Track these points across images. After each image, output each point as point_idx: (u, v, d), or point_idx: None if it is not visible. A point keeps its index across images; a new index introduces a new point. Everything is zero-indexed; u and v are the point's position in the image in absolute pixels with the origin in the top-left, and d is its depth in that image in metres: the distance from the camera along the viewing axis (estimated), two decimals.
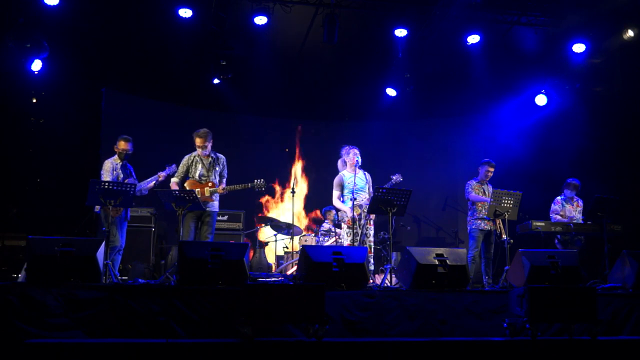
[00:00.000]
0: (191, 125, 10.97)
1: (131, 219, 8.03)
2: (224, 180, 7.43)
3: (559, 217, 8.52)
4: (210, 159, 7.35)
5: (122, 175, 7.28)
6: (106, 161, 7.36)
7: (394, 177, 7.39)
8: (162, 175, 7.38)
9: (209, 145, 7.29)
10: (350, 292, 5.52)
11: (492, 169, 8.35)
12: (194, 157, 7.34)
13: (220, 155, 7.45)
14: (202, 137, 7.23)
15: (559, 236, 8.44)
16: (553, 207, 8.62)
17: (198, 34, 9.14)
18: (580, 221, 8.44)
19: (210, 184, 7.22)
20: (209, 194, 7.18)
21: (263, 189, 7.55)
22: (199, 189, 7.10)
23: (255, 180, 7.46)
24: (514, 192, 7.57)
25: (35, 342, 4.61)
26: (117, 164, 7.31)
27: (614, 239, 8.03)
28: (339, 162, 7.70)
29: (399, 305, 5.48)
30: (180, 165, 7.35)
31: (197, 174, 7.26)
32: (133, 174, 7.47)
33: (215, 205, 7.28)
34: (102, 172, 7.30)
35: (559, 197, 8.68)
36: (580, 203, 8.67)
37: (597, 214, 7.92)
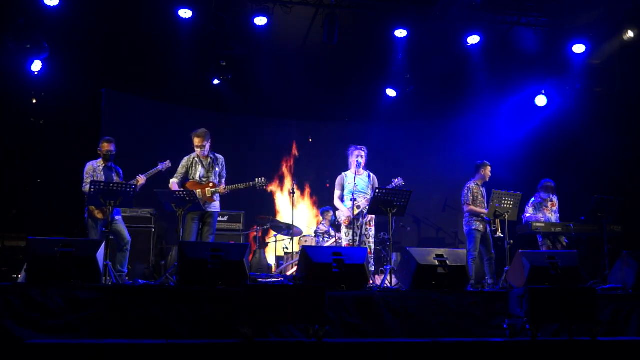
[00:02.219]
0: (191, 125, 10.92)
1: (131, 220, 8.05)
2: (223, 180, 7.44)
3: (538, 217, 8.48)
4: (209, 159, 7.36)
5: (103, 178, 7.24)
6: (88, 164, 7.33)
7: (395, 181, 7.36)
8: (141, 178, 7.27)
9: (208, 145, 7.30)
10: (351, 292, 5.52)
11: (490, 169, 8.30)
12: (194, 158, 7.34)
13: (219, 156, 7.46)
14: (201, 137, 7.22)
15: (540, 237, 8.40)
16: (527, 210, 8.52)
17: (198, 34, 9.14)
18: (557, 220, 8.42)
19: (211, 184, 7.23)
20: (210, 194, 7.19)
21: (264, 187, 7.56)
22: (200, 190, 7.11)
23: (257, 179, 7.47)
24: (514, 193, 7.57)
25: (36, 342, 4.61)
26: (98, 166, 7.30)
27: (614, 240, 8.03)
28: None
29: (399, 306, 5.48)
30: (180, 166, 7.35)
31: (197, 175, 7.27)
32: (121, 175, 7.45)
33: (216, 205, 7.30)
34: (84, 175, 7.27)
35: (531, 200, 8.58)
36: (556, 201, 8.59)
37: (597, 215, 7.92)
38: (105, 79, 10.08)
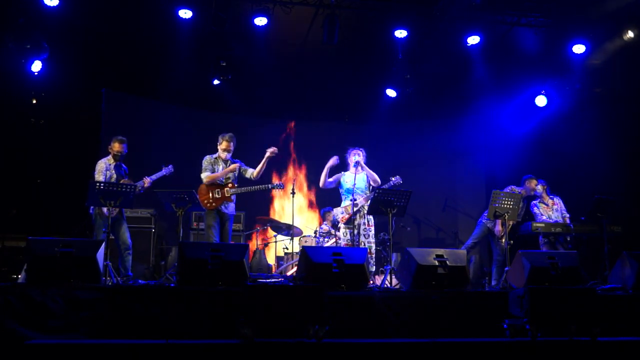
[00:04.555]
0: (191, 125, 10.94)
1: (131, 220, 8.04)
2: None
3: (544, 218, 8.48)
4: (228, 161, 7.58)
5: (115, 176, 7.27)
6: (99, 161, 7.39)
7: (393, 179, 7.38)
8: (147, 180, 7.35)
9: (233, 148, 7.57)
10: (351, 293, 5.52)
11: (535, 182, 8.42)
12: (215, 159, 7.53)
13: (236, 159, 7.67)
14: (230, 141, 7.50)
15: (540, 237, 8.40)
16: (534, 211, 8.58)
17: (198, 34, 9.14)
18: (561, 220, 8.43)
19: (229, 185, 7.43)
20: (229, 195, 7.39)
21: (282, 189, 7.99)
22: (219, 190, 7.33)
23: (274, 182, 8.05)
24: (514, 193, 7.56)
25: (36, 343, 4.61)
26: (110, 165, 7.33)
27: (614, 240, 8.03)
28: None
29: (399, 306, 5.47)
30: (207, 162, 7.47)
31: None
32: (127, 173, 7.48)
33: (233, 206, 7.50)
34: (94, 173, 7.31)
35: (534, 201, 8.61)
36: (557, 200, 8.61)
37: (597, 215, 7.92)
38: (105, 79, 10.08)
